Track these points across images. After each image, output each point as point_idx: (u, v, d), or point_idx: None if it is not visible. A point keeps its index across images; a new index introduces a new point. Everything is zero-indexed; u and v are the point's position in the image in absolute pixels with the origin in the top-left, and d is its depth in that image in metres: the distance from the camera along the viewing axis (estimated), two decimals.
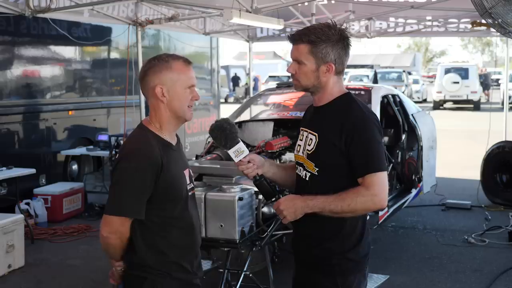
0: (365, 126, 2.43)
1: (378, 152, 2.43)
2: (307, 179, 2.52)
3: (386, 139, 6.42)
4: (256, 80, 31.92)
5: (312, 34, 2.47)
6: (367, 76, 26.34)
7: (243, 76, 33.41)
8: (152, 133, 2.44)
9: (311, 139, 2.52)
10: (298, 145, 2.62)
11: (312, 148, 2.50)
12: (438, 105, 26.02)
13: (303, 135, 2.60)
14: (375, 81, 21.11)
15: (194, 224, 2.53)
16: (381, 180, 2.40)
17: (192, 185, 2.59)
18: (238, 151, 2.56)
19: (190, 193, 2.53)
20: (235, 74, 33.85)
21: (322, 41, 2.45)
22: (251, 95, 11.02)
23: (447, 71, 26.37)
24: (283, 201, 2.46)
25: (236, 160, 2.57)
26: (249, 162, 2.57)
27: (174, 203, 2.44)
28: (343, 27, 2.54)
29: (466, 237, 6.53)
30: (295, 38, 2.51)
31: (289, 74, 2.59)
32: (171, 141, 2.49)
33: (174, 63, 2.43)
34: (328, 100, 2.54)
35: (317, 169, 2.48)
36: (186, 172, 2.55)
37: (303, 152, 2.56)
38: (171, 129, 2.50)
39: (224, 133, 2.56)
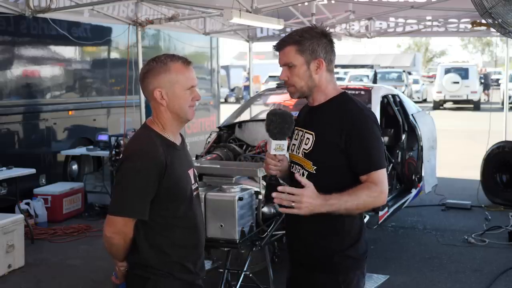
0: (365, 124, 2.44)
1: (380, 149, 2.45)
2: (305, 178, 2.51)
3: (386, 139, 6.42)
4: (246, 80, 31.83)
5: (295, 35, 2.49)
6: (367, 76, 26.34)
7: (239, 77, 33.31)
8: (155, 133, 2.44)
9: (307, 138, 2.52)
10: (293, 144, 2.62)
11: (310, 147, 2.50)
12: (438, 105, 26.01)
13: (298, 135, 2.60)
14: (374, 81, 21.10)
15: (198, 224, 2.53)
16: (385, 177, 2.43)
17: (196, 185, 2.58)
18: (281, 147, 2.50)
19: (194, 193, 2.53)
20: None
21: (306, 38, 2.47)
22: (251, 95, 11.00)
23: (447, 71, 26.37)
24: (309, 195, 2.31)
25: (272, 152, 2.51)
26: (279, 161, 2.54)
27: (178, 203, 2.44)
28: (322, 25, 2.55)
29: (466, 237, 6.53)
30: (280, 44, 2.53)
31: None
32: (175, 141, 2.49)
33: (173, 64, 2.41)
34: (324, 99, 2.54)
35: (315, 167, 2.48)
36: (191, 172, 2.54)
37: (298, 152, 2.55)
38: (174, 130, 2.49)
39: (282, 124, 2.49)
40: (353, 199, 2.35)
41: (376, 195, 2.39)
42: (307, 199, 2.30)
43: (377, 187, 2.39)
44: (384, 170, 2.44)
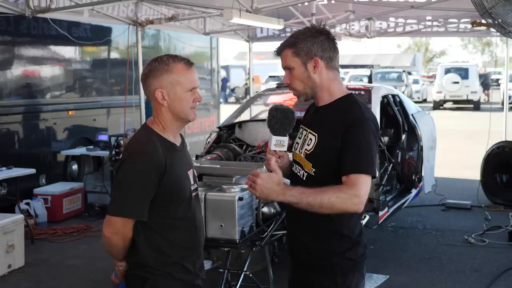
0: (363, 129, 2.40)
1: (368, 155, 2.38)
2: (304, 178, 2.51)
3: (386, 139, 6.42)
4: (224, 80, 31.75)
5: (291, 38, 2.51)
6: (367, 76, 26.31)
7: (240, 76, 33.31)
8: (155, 134, 2.44)
9: (310, 139, 2.51)
10: (296, 142, 2.61)
11: (311, 148, 2.49)
12: (438, 105, 26.01)
13: (302, 134, 2.59)
14: (370, 80, 21.08)
15: (197, 224, 2.53)
16: (365, 182, 2.33)
17: (196, 186, 2.58)
18: (281, 143, 2.50)
19: (193, 194, 2.53)
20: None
21: (301, 39, 2.47)
22: (251, 95, 11.00)
23: (447, 71, 26.36)
24: (265, 178, 2.34)
25: (272, 148, 2.50)
26: (279, 157, 2.54)
27: (177, 204, 2.43)
28: (322, 24, 2.54)
29: (466, 237, 6.53)
30: (279, 48, 2.55)
31: None
32: (175, 142, 2.49)
33: (175, 65, 2.41)
34: (330, 100, 2.52)
35: (314, 169, 2.47)
36: (190, 173, 2.54)
37: (301, 151, 2.55)
38: (174, 130, 2.49)
39: (283, 119, 2.49)
40: (317, 195, 2.29)
41: (346, 197, 2.29)
42: (261, 182, 2.32)
43: (350, 190, 2.30)
44: (368, 176, 2.34)
